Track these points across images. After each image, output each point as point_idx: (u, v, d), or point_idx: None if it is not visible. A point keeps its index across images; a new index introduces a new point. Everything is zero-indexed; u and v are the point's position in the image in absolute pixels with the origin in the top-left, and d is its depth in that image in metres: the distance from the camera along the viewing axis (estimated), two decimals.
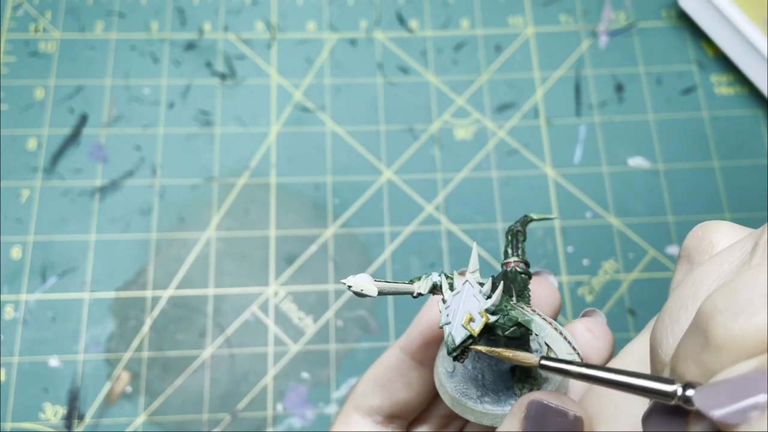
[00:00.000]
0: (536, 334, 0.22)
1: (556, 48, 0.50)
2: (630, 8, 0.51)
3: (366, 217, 0.45)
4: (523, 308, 0.23)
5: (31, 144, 0.46)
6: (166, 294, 0.43)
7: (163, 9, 0.50)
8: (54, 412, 0.40)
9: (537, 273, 0.27)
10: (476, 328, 0.21)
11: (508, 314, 0.22)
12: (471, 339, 0.21)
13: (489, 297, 0.22)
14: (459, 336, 0.21)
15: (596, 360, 0.25)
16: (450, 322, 0.22)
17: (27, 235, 0.43)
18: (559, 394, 0.21)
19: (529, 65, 0.49)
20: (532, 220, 0.27)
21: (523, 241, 0.26)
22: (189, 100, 0.48)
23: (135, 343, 0.41)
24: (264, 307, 0.43)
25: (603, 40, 0.50)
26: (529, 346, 0.24)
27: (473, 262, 0.22)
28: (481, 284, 0.22)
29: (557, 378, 0.23)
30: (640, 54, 0.50)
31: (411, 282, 0.23)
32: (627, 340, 0.44)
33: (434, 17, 0.51)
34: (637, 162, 0.47)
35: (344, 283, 0.22)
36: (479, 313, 0.21)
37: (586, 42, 0.50)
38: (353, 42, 0.50)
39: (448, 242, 0.44)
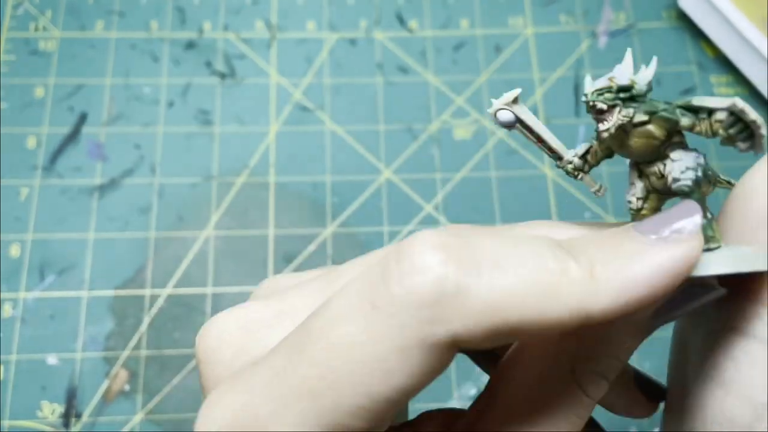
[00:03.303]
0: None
1: (556, 48, 0.50)
2: (630, 9, 0.51)
3: (365, 217, 0.45)
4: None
5: (31, 142, 0.46)
6: (165, 292, 0.43)
7: (163, 8, 0.50)
8: (52, 410, 0.40)
9: None
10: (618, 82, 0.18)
11: (669, 103, 0.19)
12: (614, 94, 0.18)
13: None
14: (600, 82, 0.19)
15: None
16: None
17: (26, 233, 0.43)
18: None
19: (528, 65, 0.49)
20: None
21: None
22: (188, 99, 0.48)
23: (133, 342, 0.41)
24: None
25: (602, 40, 0.50)
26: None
27: (628, 58, 0.20)
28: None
29: None
30: (639, 55, 0.50)
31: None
32: None
33: (434, 17, 0.51)
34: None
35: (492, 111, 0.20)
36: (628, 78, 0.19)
37: (586, 42, 0.50)
38: (353, 42, 0.50)
39: None
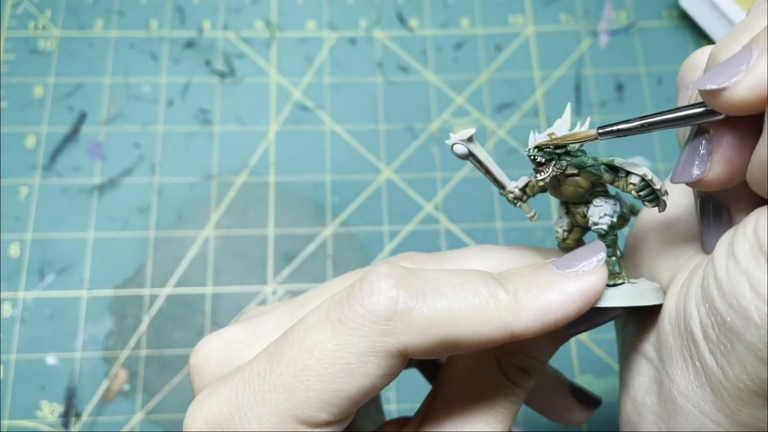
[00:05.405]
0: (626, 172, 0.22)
1: (557, 47, 0.50)
2: (631, 8, 0.51)
3: (365, 216, 0.45)
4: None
5: (30, 141, 0.46)
6: (164, 292, 0.43)
7: (162, 7, 0.50)
8: (51, 410, 0.40)
9: None
10: (556, 136, 0.22)
11: (595, 159, 0.22)
12: (551, 150, 0.21)
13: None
14: (540, 138, 0.22)
15: None
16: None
17: (25, 233, 0.43)
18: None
19: (529, 64, 0.49)
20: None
21: None
22: (188, 99, 0.47)
23: (133, 341, 0.41)
24: None
25: (603, 39, 0.50)
26: (607, 191, 0.24)
27: (566, 115, 0.23)
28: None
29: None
30: (640, 53, 0.50)
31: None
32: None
33: (434, 16, 0.51)
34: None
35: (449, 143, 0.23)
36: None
37: (587, 41, 0.50)
38: (353, 41, 0.50)
39: (447, 241, 0.44)
